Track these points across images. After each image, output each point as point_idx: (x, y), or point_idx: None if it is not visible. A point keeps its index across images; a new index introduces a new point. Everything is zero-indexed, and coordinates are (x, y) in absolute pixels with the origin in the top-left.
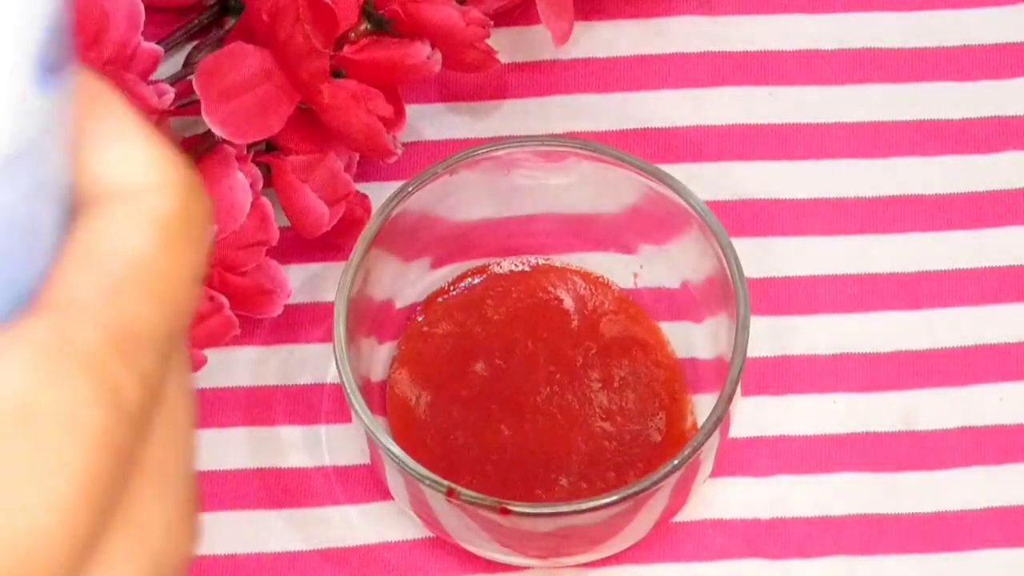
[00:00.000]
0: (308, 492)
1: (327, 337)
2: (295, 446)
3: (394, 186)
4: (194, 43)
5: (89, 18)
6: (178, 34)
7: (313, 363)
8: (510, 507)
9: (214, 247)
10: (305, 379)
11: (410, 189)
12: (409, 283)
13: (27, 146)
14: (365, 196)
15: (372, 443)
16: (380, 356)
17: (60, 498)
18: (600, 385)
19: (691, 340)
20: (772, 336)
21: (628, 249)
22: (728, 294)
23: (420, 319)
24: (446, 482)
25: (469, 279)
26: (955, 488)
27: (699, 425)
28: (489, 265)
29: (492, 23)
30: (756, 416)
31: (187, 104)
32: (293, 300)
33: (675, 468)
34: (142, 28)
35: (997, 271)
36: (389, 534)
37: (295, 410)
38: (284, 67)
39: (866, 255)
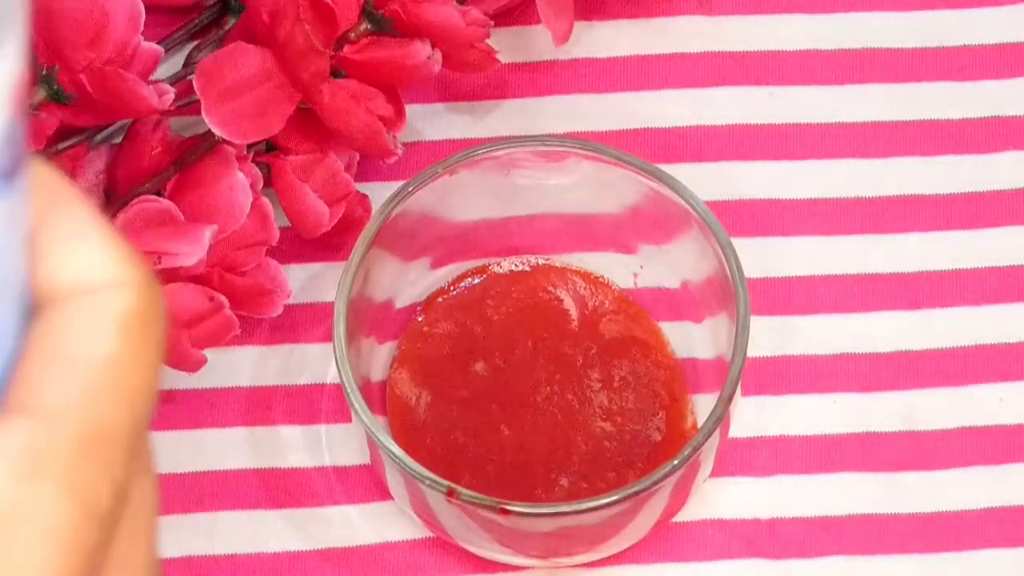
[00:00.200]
0: (308, 492)
1: (327, 337)
2: (295, 446)
3: (394, 186)
4: (194, 43)
5: (89, 18)
6: (178, 34)
7: (313, 363)
8: (510, 507)
9: (214, 247)
10: (305, 379)
11: (410, 189)
12: (409, 283)
13: None
14: (365, 196)
15: (372, 443)
16: (380, 356)
17: None
18: (600, 385)
19: (691, 340)
20: (772, 336)
21: (628, 249)
22: (728, 294)
23: (420, 319)
24: (446, 482)
25: (469, 279)
26: (955, 488)
27: (699, 425)
28: (489, 265)
29: (492, 23)
30: (756, 416)
31: (187, 104)
32: (293, 300)
33: (675, 468)
34: (142, 28)
35: (997, 271)
36: (389, 534)
37: (295, 410)
38: (284, 67)
39: (866, 255)
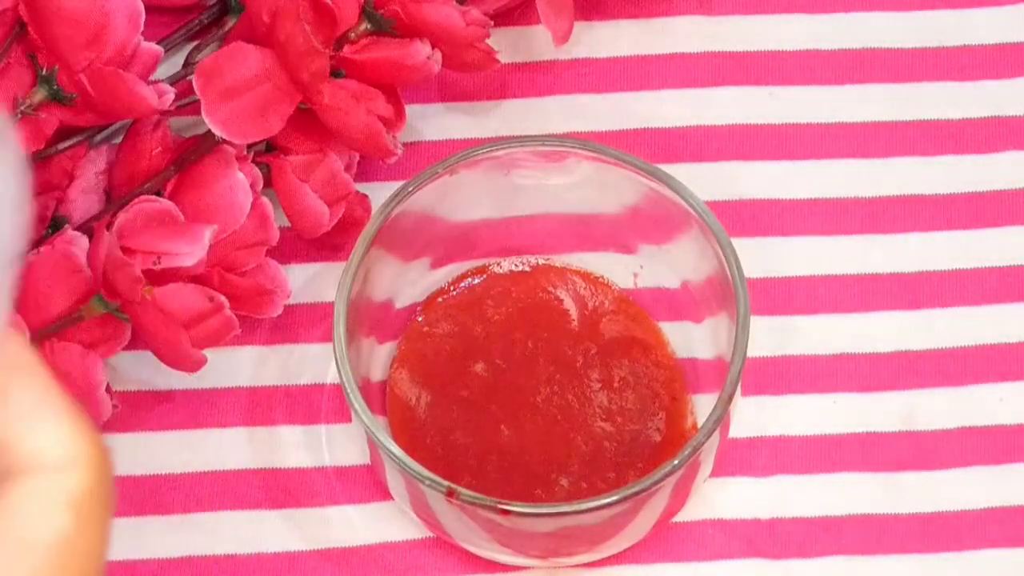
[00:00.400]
0: (308, 492)
1: (327, 337)
2: (295, 446)
3: (394, 186)
4: (194, 43)
5: (89, 18)
6: (178, 34)
7: (313, 363)
8: (510, 507)
9: (214, 247)
10: (305, 379)
11: (410, 189)
12: (409, 283)
13: None
14: (365, 196)
15: (372, 443)
16: (380, 356)
17: None
18: (600, 385)
19: (691, 340)
20: (772, 336)
21: (628, 249)
22: (728, 294)
23: (420, 319)
24: (446, 482)
25: (469, 279)
26: (955, 488)
27: (699, 425)
28: (489, 265)
29: (492, 23)
30: (756, 416)
31: (187, 104)
32: (293, 300)
33: (675, 468)
34: (142, 28)
35: (997, 271)
36: (389, 534)
37: (295, 410)
38: (284, 67)
39: (866, 255)
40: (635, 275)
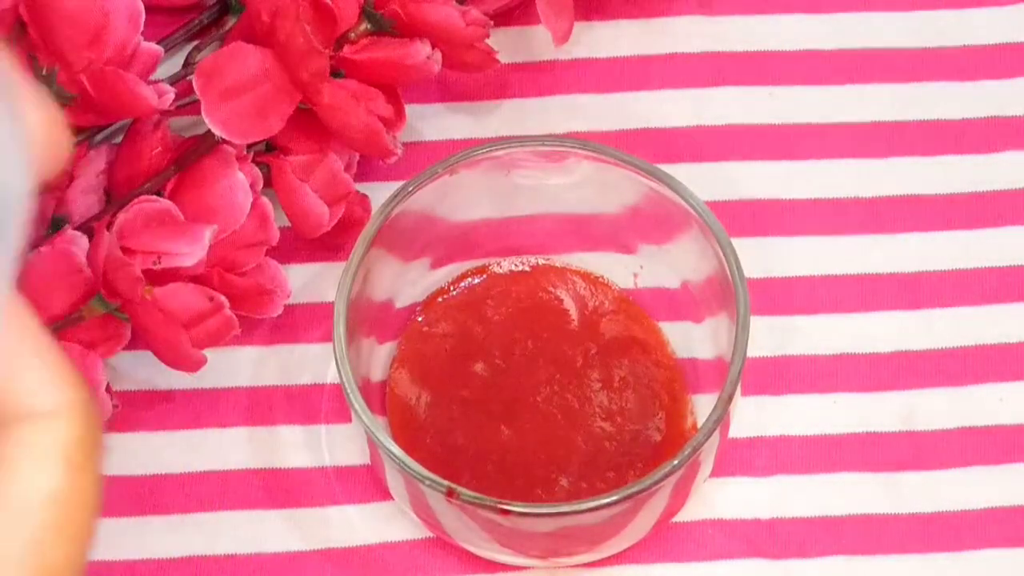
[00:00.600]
0: (308, 492)
1: (327, 337)
2: (295, 446)
3: (394, 186)
4: (194, 43)
5: (89, 18)
6: (178, 34)
7: (313, 363)
8: (510, 507)
9: (214, 247)
10: (305, 379)
11: (410, 189)
12: (409, 283)
13: None
14: (365, 196)
15: (372, 443)
16: (380, 356)
17: None
18: (600, 385)
19: (691, 340)
20: (772, 336)
21: (628, 249)
22: (728, 294)
23: (420, 319)
24: (446, 482)
25: (469, 279)
26: (955, 488)
27: (699, 425)
28: (489, 265)
29: (492, 23)
30: (756, 416)
31: (187, 104)
32: (293, 300)
33: (675, 468)
34: (142, 28)
35: (997, 271)
36: (389, 534)
37: (295, 410)
38: (284, 67)
39: (866, 255)
40: (635, 275)
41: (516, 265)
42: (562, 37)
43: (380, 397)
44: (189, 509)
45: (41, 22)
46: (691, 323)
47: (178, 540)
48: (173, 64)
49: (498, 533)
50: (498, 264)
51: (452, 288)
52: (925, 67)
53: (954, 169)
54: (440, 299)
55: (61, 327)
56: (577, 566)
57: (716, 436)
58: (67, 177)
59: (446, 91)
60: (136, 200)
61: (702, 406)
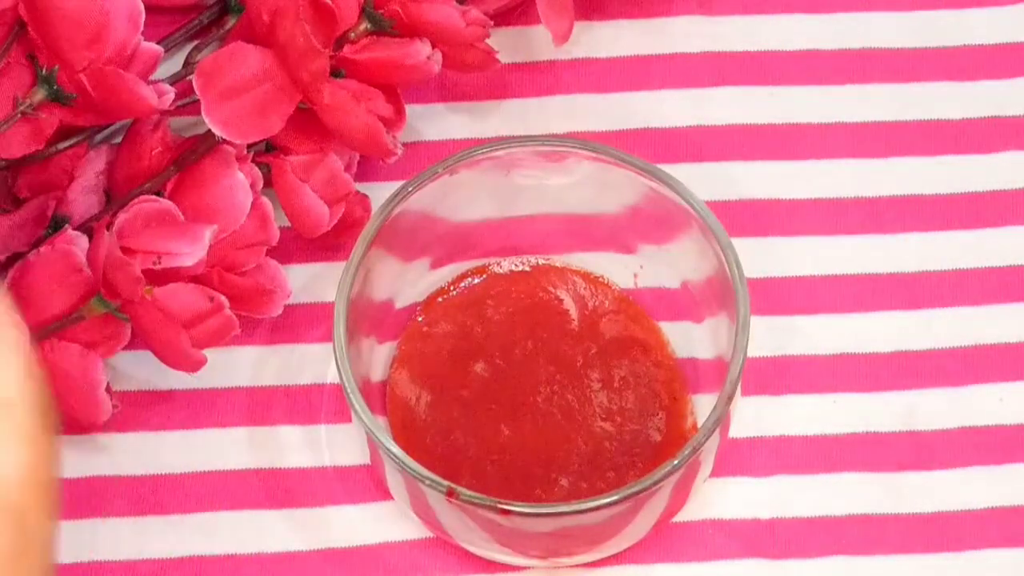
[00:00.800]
0: (308, 492)
1: (327, 337)
2: (295, 446)
3: (394, 186)
4: (194, 43)
5: (89, 18)
6: (178, 34)
7: (313, 363)
8: (510, 507)
9: (214, 247)
10: (305, 379)
11: (410, 189)
12: (409, 283)
13: None
14: (365, 196)
15: (372, 443)
16: (380, 356)
17: None
18: (600, 385)
19: (691, 340)
20: (772, 336)
21: (628, 249)
22: (728, 294)
23: (420, 319)
24: (446, 482)
25: (469, 279)
26: (955, 488)
27: (699, 425)
28: (489, 265)
29: (492, 23)
30: (756, 416)
31: (187, 104)
32: (293, 300)
33: (675, 468)
34: (142, 28)
35: (997, 271)
36: (389, 534)
37: (295, 410)
38: (284, 67)
39: (866, 255)
40: (635, 275)
41: (516, 265)
42: (562, 37)
43: (380, 397)
44: (189, 509)
45: (41, 22)
46: (691, 323)
47: (178, 540)
48: (173, 64)
49: (498, 533)
50: (498, 264)
51: (452, 288)
52: (925, 67)
53: (954, 169)
54: (440, 299)
55: (61, 327)
56: (577, 566)
57: (716, 436)
58: (67, 177)
59: (446, 91)
60: (136, 200)
61: (702, 406)
